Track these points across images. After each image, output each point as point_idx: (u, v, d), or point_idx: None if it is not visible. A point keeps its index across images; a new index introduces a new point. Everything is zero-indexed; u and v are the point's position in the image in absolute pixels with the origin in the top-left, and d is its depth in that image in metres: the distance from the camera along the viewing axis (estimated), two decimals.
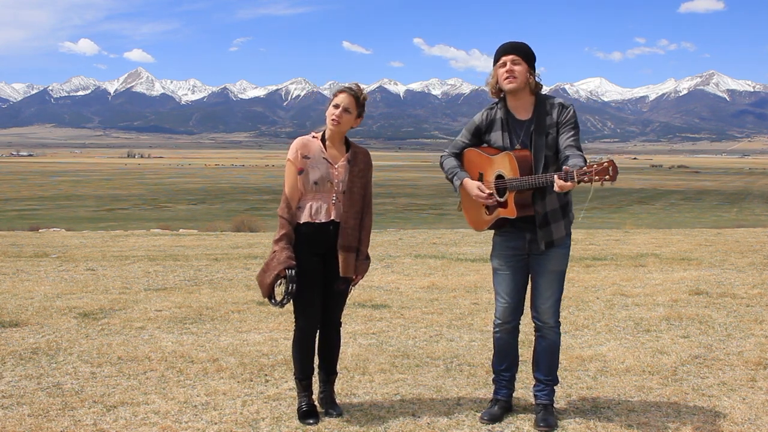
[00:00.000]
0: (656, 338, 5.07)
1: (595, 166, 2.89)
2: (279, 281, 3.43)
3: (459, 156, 3.59)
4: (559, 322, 3.57)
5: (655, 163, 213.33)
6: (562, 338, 3.68)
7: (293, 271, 3.38)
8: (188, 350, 4.70)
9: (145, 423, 3.44)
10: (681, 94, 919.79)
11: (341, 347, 3.81)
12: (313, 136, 3.57)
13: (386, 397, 3.85)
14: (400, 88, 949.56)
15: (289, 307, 3.51)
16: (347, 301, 3.73)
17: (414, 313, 5.93)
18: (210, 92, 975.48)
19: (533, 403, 3.60)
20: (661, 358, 4.55)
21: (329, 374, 3.70)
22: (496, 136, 3.45)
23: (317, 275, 3.50)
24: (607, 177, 2.87)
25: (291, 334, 3.66)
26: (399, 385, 4.03)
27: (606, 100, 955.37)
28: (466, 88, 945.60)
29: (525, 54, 3.36)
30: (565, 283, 3.57)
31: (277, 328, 5.33)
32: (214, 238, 13.54)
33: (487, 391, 3.85)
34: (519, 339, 3.69)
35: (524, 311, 3.65)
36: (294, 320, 3.57)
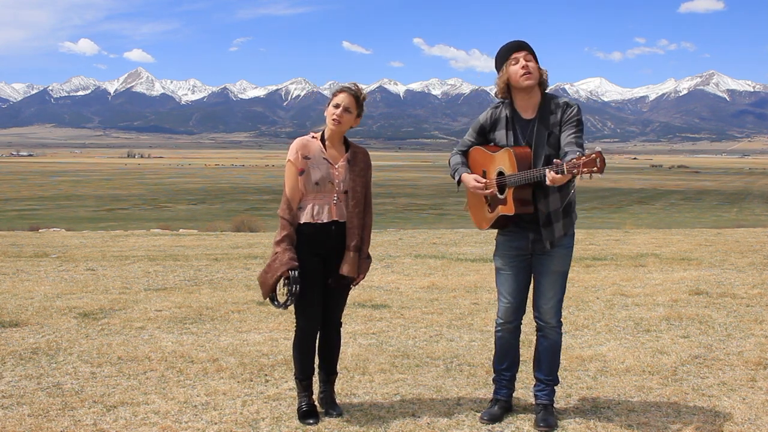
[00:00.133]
0: (656, 338, 5.07)
1: (583, 158, 2.88)
2: (281, 283, 3.43)
3: (465, 154, 3.61)
4: (561, 322, 3.57)
5: (655, 163, 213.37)
6: (562, 338, 3.68)
7: (296, 272, 3.37)
8: (188, 350, 4.70)
9: (145, 423, 3.44)
10: (681, 94, 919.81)
11: (341, 347, 3.81)
12: (313, 137, 3.56)
13: (386, 397, 3.85)
14: (400, 88, 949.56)
15: (290, 307, 3.51)
16: (347, 301, 3.73)
17: (414, 313, 5.93)
18: (210, 92, 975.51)
19: (533, 403, 3.60)
20: (661, 358, 4.55)
21: (329, 374, 3.70)
22: (501, 135, 3.45)
23: (318, 276, 3.50)
24: (594, 168, 2.86)
25: (291, 334, 3.66)
26: (399, 385, 4.03)
27: (606, 100, 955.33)
28: (466, 88, 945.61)
29: (533, 52, 3.38)
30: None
31: (277, 328, 5.33)
32: (214, 238, 13.54)
33: (487, 391, 3.85)
34: (520, 339, 3.69)
35: (526, 311, 3.64)
36: (295, 321, 3.57)
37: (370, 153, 3.73)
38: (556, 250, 3.43)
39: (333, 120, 3.47)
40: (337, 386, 3.84)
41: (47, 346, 4.78)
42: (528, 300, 3.61)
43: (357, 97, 3.52)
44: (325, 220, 3.49)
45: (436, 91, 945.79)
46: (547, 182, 3.03)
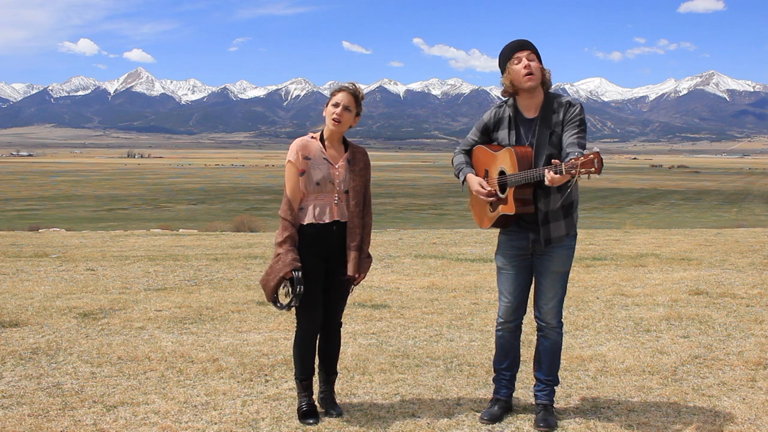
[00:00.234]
0: (656, 338, 5.07)
1: (581, 158, 2.88)
2: (283, 284, 3.43)
3: (469, 153, 3.61)
4: (562, 322, 3.56)
5: (655, 163, 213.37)
6: (562, 339, 3.68)
7: (300, 273, 3.37)
8: (188, 350, 4.70)
9: (145, 423, 3.44)
10: (681, 94, 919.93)
11: (341, 347, 3.82)
12: (312, 137, 3.56)
13: (386, 397, 3.85)
14: (400, 88, 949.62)
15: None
16: (347, 301, 3.73)
17: (414, 313, 5.93)
18: (210, 92, 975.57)
19: (533, 403, 3.60)
20: (661, 358, 4.55)
21: (329, 374, 3.70)
22: (504, 134, 3.45)
23: (320, 276, 3.50)
24: (592, 169, 2.86)
25: (291, 334, 3.66)
26: (399, 385, 4.03)
27: (606, 100, 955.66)
28: (466, 88, 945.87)
29: (536, 51, 3.38)
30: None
31: (277, 328, 5.33)
32: (214, 238, 13.54)
33: (487, 391, 3.85)
34: (520, 339, 3.68)
35: (527, 311, 3.64)
36: (296, 321, 3.57)
37: (369, 153, 3.73)
38: (557, 250, 3.42)
39: (333, 119, 3.47)
40: (337, 386, 3.84)
41: (47, 346, 4.78)
42: (529, 300, 3.61)
43: (356, 95, 3.52)
44: (326, 221, 3.49)
45: (436, 91, 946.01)
46: (546, 182, 3.03)
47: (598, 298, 6.47)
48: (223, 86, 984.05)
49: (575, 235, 3.50)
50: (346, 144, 3.62)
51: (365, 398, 3.83)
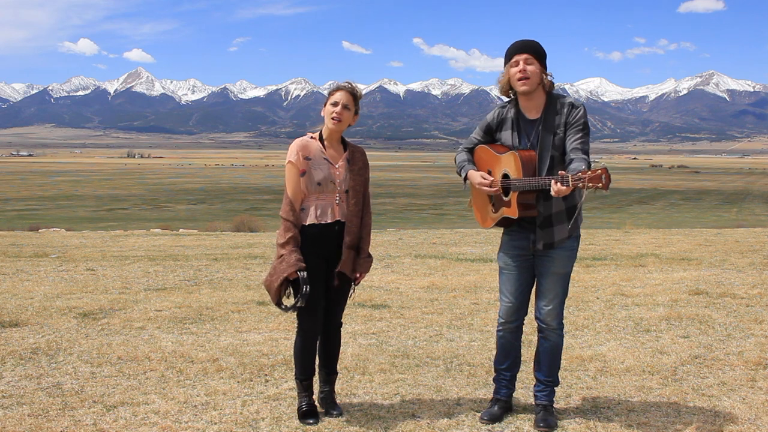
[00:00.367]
0: (656, 338, 5.07)
1: (589, 173, 2.89)
2: (287, 285, 3.41)
3: (471, 151, 3.61)
4: (563, 324, 3.55)
5: (655, 163, 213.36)
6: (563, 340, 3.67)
7: (305, 273, 3.37)
8: (188, 350, 4.70)
9: (145, 423, 3.44)
10: (681, 94, 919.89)
11: (341, 347, 3.81)
12: (312, 137, 3.56)
13: (386, 397, 3.85)
14: (400, 88, 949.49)
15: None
16: (347, 301, 3.73)
17: (414, 313, 5.93)
18: (210, 92, 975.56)
19: (533, 403, 3.60)
20: (661, 358, 4.55)
21: (329, 374, 3.70)
22: (506, 135, 3.45)
23: (322, 276, 3.49)
24: (600, 185, 2.87)
25: (291, 334, 3.66)
26: (399, 385, 4.03)
27: (606, 100, 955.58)
28: (466, 88, 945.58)
29: (537, 53, 3.33)
30: None
31: (277, 328, 5.33)
32: (214, 238, 13.54)
33: (487, 391, 3.85)
34: (521, 339, 3.68)
35: (528, 312, 3.63)
36: (296, 321, 3.57)
37: (369, 153, 3.73)
38: (559, 252, 3.41)
39: (333, 118, 3.47)
40: (337, 386, 3.84)
41: (47, 346, 4.78)
42: (530, 301, 3.60)
43: (354, 94, 3.52)
44: (328, 221, 3.49)
45: (436, 91, 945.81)
46: (552, 193, 3.03)
47: (598, 298, 6.47)
48: (223, 86, 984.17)
49: (578, 236, 3.49)
50: (344, 144, 3.62)
51: (365, 398, 3.83)
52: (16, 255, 10.00)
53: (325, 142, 3.55)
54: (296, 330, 3.59)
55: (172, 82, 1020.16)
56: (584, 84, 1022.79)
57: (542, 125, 3.34)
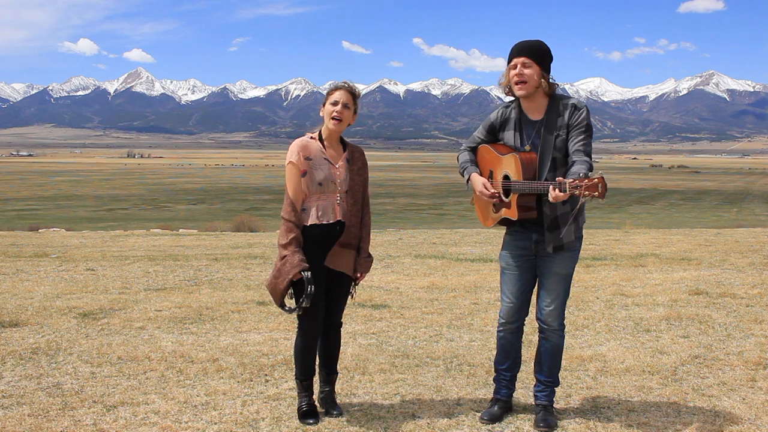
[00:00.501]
0: (656, 338, 5.07)
1: (586, 181, 2.88)
2: (290, 286, 3.41)
3: (474, 150, 3.60)
4: (564, 324, 3.55)
5: (655, 163, 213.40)
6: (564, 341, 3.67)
7: (309, 274, 3.36)
8: (188, 350, 4.70)
9: (145, 423, 3.44)
10: (681, 94, 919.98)
11: (341, 347, 3.81)
12: (311, 137, 3.56)
13: (386, 397, 3.85)
14: (399, 88, 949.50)
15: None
16: (347, 300, 3.73)
17: (414, 313, 5.93)
18: (210, 92, 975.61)
19: (533, 403, 3.60)
20: (661, 358, 4.55)
21: (330, 374, 3.70)
22: (509, 136, 3.44)
23: (323, 277, 3.49)
24: (596, 193, 2.86)
25: (291, 334, 3.66)
26: (399, 385, 4.03)
27: (606, 100, 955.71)
28: (466, 88, 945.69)
29: (537, 55, 3.29)
30: None
31: (277, 328, 5.33)
32: (214, 238, 13.54)
33: (487, 391, 3.85)
34: (521, 339, 3.68)
35: (528, 312, 3.63)
36: (296, 321, 3.57)
37: (369, 153, 3.73)
38: (561, 253, 3.40)
39: (334, 117, 3.46)
40: (337, 386, 3.84)
41: (47, 346, 4.78)
42: (531, 301, 3.60)
43: (353, 92, 3.52)
44: (330, 221, 3.49)
45: (436, 91, 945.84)
46: (550, 199, 3.02)
47: (598, 298, 6.47)
48: (223, 86, 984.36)
49: (580, 237, 3.49)
50: (344, 144, 3.62)
51: (365, 398, 3.83)
52: (16, 255, 10.00)
53: (325, 142, 3.55)
54: (296, 330, 3.59)
55: (172, 82, 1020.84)
56: (584, 84, 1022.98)
57: (544, 127, 3.33)
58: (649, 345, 4.88)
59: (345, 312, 3.77)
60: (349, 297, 3.68)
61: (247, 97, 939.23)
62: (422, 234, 14.00)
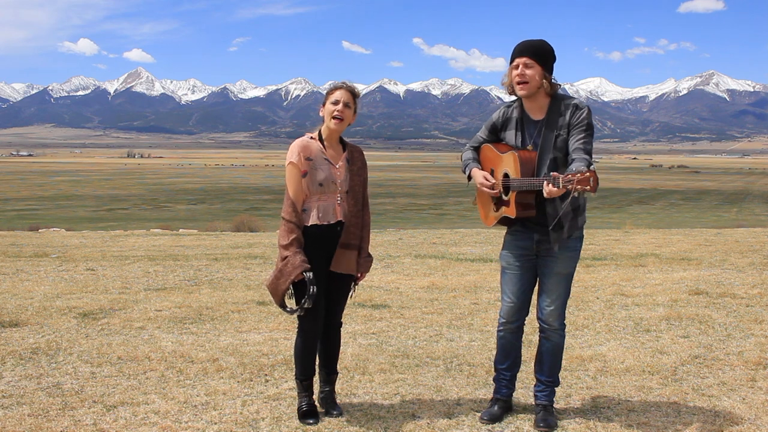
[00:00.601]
0: (656, 338, 5.07)
1: (578, 175, 2.88)
2: (291, 287, 3.41)
3: (477, 150, 3.62)
4: (564, 324, 3.55)
5: (655, 163, 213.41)
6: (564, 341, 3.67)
7: (311, 274, 3.36)
8: (188, 350, 4.70)
9: (145, 423, 3.44)
10: (681, 94, 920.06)
11: (341, 347, 3.81)
12: (311, 138, 3.56)
13: (386, 397, 3.85)
14: (400, 88, 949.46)
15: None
16: (347, 300, 3.73)
17: (414, 313, 5.93)
18: (210, 92, 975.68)
19: (533, 403, 3.60)
20: (661, 358, 4.55)
21: (330, 374, 3.69)
22: (510, 135, 3.45)
23: (324, 277, 3.49)
24: (588, 187, 2.86)
25: (291, 334, 3.66)
26: (399, 385, 4.03)
27: (606, 100, 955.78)
28: (466, 88, 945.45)
29: (539, 55, 3.29)
30: None
31: (277, 328, 5.33)
32: (214, 238, 13.54)
33: (487, 391, 3.85)
34: (522, 339, 3.68)
35: (529, 312, 3.63)
36: (297, 321, 3.57)
37: (369, 153, 3.73)
38: (561, 252, 3.41)
39: (335, 116, 3.46)
40: (337, 386, 3.84)
41: (47, 346, 4.78)
42: (532, 301, 3.60)
43: (353, 92, 3.53)
44: (331, 222, 3.49)
45: (436, 91, 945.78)
46: (545, 194, 3.02)
47: (598, 298, 6.47)
48: (223, 86, 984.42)
49: (581, 237, 3.49)
50: (343, 143, 3.62)
51: (365, 398, 3.83)
52: (16, 255, 10.00)
53: (325, 143, 3.54)
54: (296, 330, 3.59)
55: (172, 82, 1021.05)
56: (584, 84, 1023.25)
57: (545, 126, 3.34)
58: (649, 345, 4.88)
59: (345, 312, 3.77)
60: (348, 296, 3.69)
61: (247, 97, 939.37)
62: (422, 234, 14.00)
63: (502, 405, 3.59)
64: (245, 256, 9.82)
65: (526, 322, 3.63)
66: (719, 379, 4.14)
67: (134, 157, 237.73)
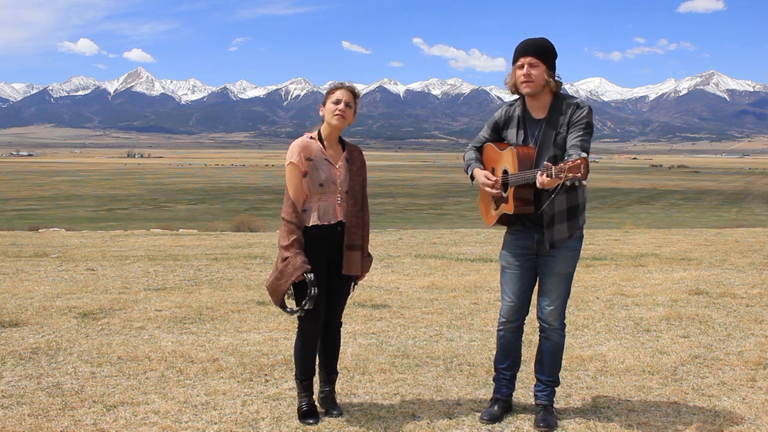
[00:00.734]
0: (656, 338, 5.07)
1: (569, 163, 2.89)
2: (291, 288, 3.41)
3: (479, 150, 3.62)
4: (564, 324, 3.55)
5: (655, 163, 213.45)
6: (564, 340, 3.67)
7: (312, 275, 3.36)
8: (188, 350, 4.70)
9: (145, 423, 3.44)
10: (681, 94, 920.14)
11: (341, 347, 3.81)
12: (311, 138, 3.55)
13: (386, 397, 3.85)
14: (400, 88, 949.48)
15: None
16: (347, 300, 3.73)
17: (414, 313, 5.93)
18: (210, 92, 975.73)
19: (533, 403, 3.60)
20: (661, 358, 4.55)
21: (330, 374, 3.69)
22: (512, 133, 3.46)
23: (324, 277, 3.49)
24: (579, 174, 2.86)
25: (291, 334, 3.66)
26: (399, 385, 4.03)
27: (606, 99, 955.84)
28: (466, 88, 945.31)
29: (543, 54, 3.31)
30: None
31: (277, 328, 5.33)
32: (214, 238, 13.54)
33: (487, 391, 3.85)
34: (522, 339, 3.68)
35: (529, 312, 3.63)
36: (297, 321, 3.56)
37: (369, 153, 3.74)
38: (561, 252, 3.41)
39: (337, 115, 3.46)
40: (337, 386, 3.84)
41: (47, 346, 4.78)
42: (532, 300, 3.60)
43: (354, 92, 3.53)
44: (332, 222, 3.49)
45: (436, 91, 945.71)
46: (537, 184, 3.03)
47: (598, 298, 6.47)
48: (223, 86, 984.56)
49: (581, 237, 3.48)
50: (342, 143, 3.62)
51: (365, 398, 3.83)
52: (16, 255, 10.00)
53: (325, 142, 3.54)
54: (296, 330, 3.58)
55: (172, 82, 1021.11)
56: (584, 84, 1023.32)
57: (546, 123, 3.35)
58: (649, 345, 4.88)
59: (345, 312, 3.77)
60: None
61: (247, 97, 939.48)
62: (422, 234, 14.00)
63: (502, 405, 3.59)
64: (245, 256, 9.82)
65: (526, 321, 3.63)
66: (719, 379, 4.14)
67: (134, 157, 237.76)
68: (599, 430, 3.40)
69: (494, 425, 3.46)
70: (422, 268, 8.55)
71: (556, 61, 3.38)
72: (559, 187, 3.00)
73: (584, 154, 2.93)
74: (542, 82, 3.31)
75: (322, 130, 3.55)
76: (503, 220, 3.47)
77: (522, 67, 3.31)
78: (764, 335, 5.12)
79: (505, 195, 3.38)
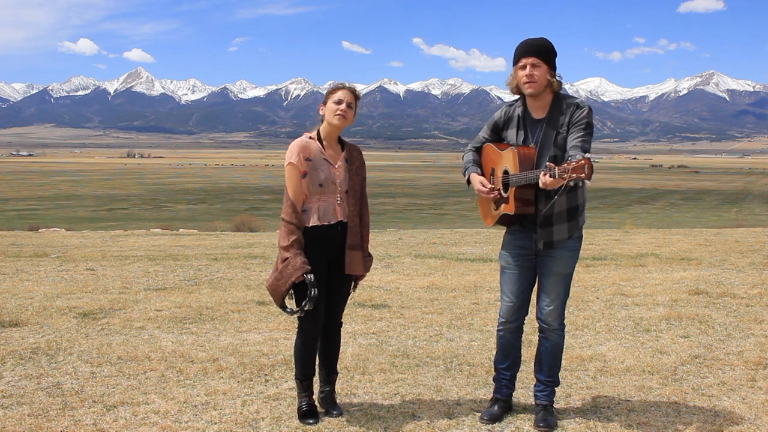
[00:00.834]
0: (656, 338, 5.07)
1: (573, 163, 2.89)
2: (291, 289, 3.41)
3: (479, 150, 3.62)
4: (564, 324, 3.55)
5: (655, 163, 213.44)
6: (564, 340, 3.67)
7: (312, 276, 3.36)
8: (188, 350, 4.70)
9: (145, 423, 3.44)
10: (681, 94, 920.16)
11: (341, 347, 3.81)
12: (310, 138, 3.55)
13: (386, 397, 3.85)
14: (399, 88, 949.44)
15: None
16: (347, 300, 3.73)
17: (414, 313, 5.93)
18: (210, 92, 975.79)
19: (533, 403, 3.60)
20: (661, 358, 4.55)
21: (330, 374, 3.69)
22: (512, 134, 3.45)
23: (324, 277, 3.49)
24: (582, 175, 2.85)
25: (291, 334, 3.66)
26: (399, 385, 4.03)
27: (606, 99, 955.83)
28: (466, 88, 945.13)
29: (545, 54, 3.31)
30: None
31: (277, 328, 5.33)
32: (214, 238, 13.54)
33: (487, 391, 3.85)
34: (521, 339, 3.68)
35: (528, 311, 3.63)
36: (297, 321, 3.56)
37: (369, 153, 3.75)
38: (560, 252, 3.41)
39: (338, 115, 3.46)
40: (337, 386, 3.84)
41: (47, 346, 4.78)
42: (531, 300, 3.60)
43: (355, 93, 3.54)
44: (332, 222, 3.49)
45: (436, 91, 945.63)
46: (540, 185, 3.03)
47: (598, 298, 6.47)
48: (223, 86, 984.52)
49: (580, 237, 3.48)
50: (341, 143, 3.62)
51: (365, 398, 3.83)
52: (16, 255, 10.00)
53: (324, 142, 3.55)
54: (296, 330, 3.58)
55: (172, 82, 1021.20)
56: (584, 84, 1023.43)
57: (547, 123, 3.35)
58: (649, 345, 4.88)
59: (345, 312, 3.77)
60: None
61: (247, 97, 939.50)
62: (422, 234, 14.00)
63: (502, 405, 3.59)
64: (245, 256, 9.82)
65: (525, 321, 3.63)
66: (719, 379, 4.14)
67: (134, 157, 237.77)
68: (599, 430, 3.40)
69: (494, 425, 3.46)
70: (422, 268, 8.55)
71: (557, 60, 3.40)
72: (563, 187, 3.00)
73: (587, 155, 2.93)
74: (544, 82, 3.32)
75: (321, 130, 3.54)
76: (503, 220, 3.47)
77: (524, 67, 3.31)
78: (764, 335, 5.12)
79: (505, 195, 3.38)
